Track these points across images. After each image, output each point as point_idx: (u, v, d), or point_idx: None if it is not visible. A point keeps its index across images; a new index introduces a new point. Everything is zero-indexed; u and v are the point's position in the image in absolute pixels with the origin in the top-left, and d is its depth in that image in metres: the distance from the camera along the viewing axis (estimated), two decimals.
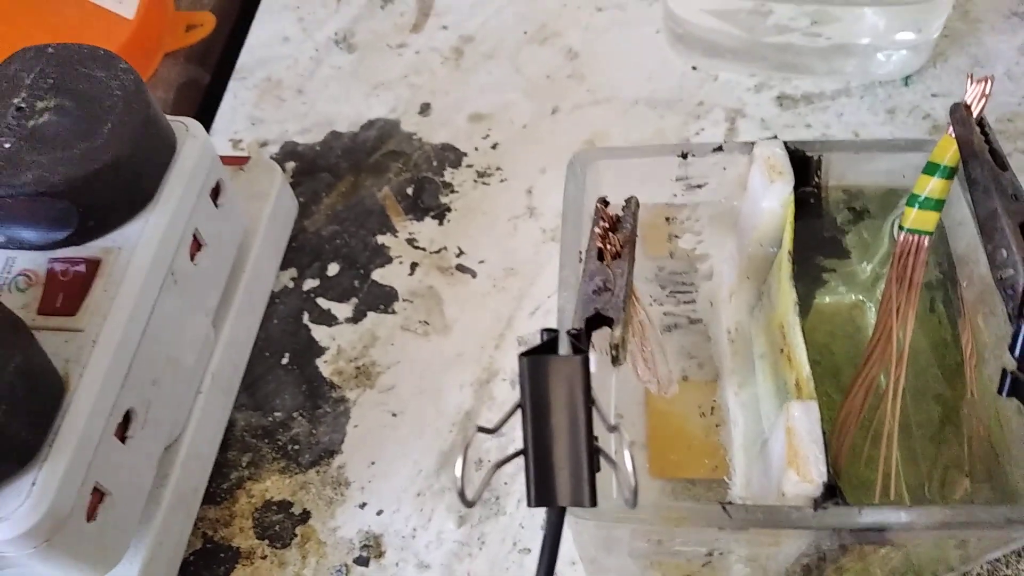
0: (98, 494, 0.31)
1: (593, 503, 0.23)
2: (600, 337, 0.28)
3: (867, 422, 0.32)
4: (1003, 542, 0.26)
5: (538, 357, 0.23)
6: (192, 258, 0.37)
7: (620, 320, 0.26)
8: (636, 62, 0.53)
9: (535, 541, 0.38)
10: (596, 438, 0.24)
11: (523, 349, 0.23)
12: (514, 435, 0.23)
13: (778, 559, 0.28)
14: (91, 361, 0.31)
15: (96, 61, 0.34)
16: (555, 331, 0.25)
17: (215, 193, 0.38)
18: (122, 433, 0.33)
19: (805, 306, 0.36)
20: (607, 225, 0.28)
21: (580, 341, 0.25)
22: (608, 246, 0.27)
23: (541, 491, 0.23)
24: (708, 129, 0.49)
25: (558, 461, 0.23)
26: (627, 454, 0.21)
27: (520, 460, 0.24)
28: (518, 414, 0.23)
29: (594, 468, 0.23)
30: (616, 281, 0.27)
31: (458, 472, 0.21)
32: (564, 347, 0.25)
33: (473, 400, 0.42)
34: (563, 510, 0.24)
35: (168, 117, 0.37)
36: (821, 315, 0.36)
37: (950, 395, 0.31)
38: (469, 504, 0.22)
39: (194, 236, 0.37)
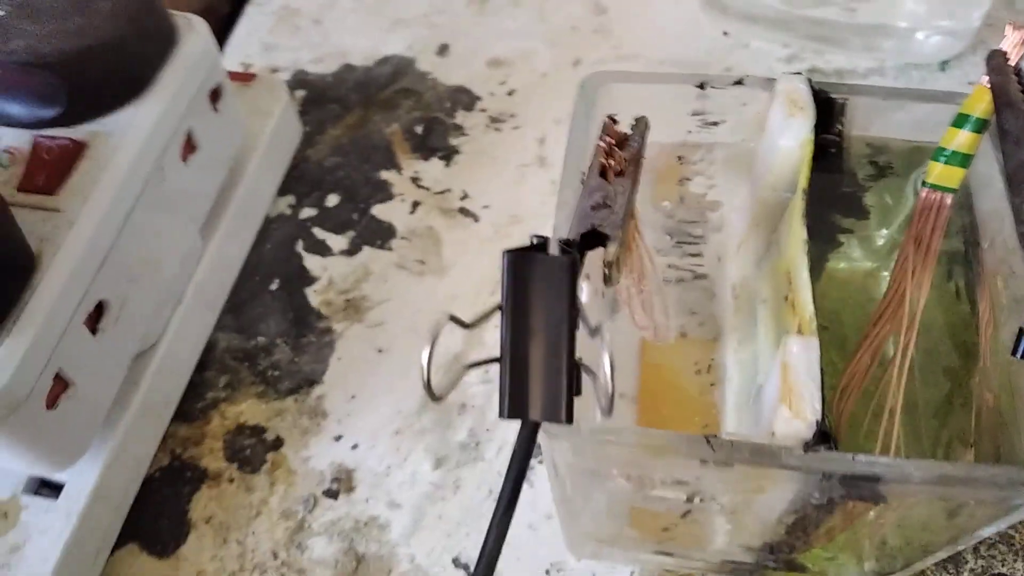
0: (61, 383, 0.30)
1: (569, 420, 0.22)
2: (594, 266, 0.26)
3: (870, 392, 0.31)
4: (998, 514, 0.24)
5: (524, 254, 0.21)
6: (183, 158, 0.35)
7: (616, 238, 0.24)
8: (666, 22, 0.51)
9: None
10: (580, 358, 0.22)
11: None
12: None
13: (761, 514, 0.26)
14: (66, 243, 0.29)
15: None
16: (545, 238, 0.23)
17: (215, 96, 0.37)
18: (93, 324, 0.31)
19: (817, 269, 0.34)
20: (612, 141, 0.26)
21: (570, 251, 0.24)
22: (612, 162, 0.26)
23: (515, 402, 0.22)
24: None
25: (535, 372, 0.22)
26: (606, 357, 0.20)
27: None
28: (497, 316, 0.22)
29: (573, 386, 0.22)
30: (617, 199, 0.25)
31: (424, 361, 0.20)
32: (554, 252, 0.23)
33: (463, 344, 0.41)
34: (536, 426, 0.22)
35: (172, 11, 0.35)
36: (833, 281, 0.34)
37: (961, 372, 0.30)
38: (436, 399, 0.20)
39: (188, 136, 0.35)
